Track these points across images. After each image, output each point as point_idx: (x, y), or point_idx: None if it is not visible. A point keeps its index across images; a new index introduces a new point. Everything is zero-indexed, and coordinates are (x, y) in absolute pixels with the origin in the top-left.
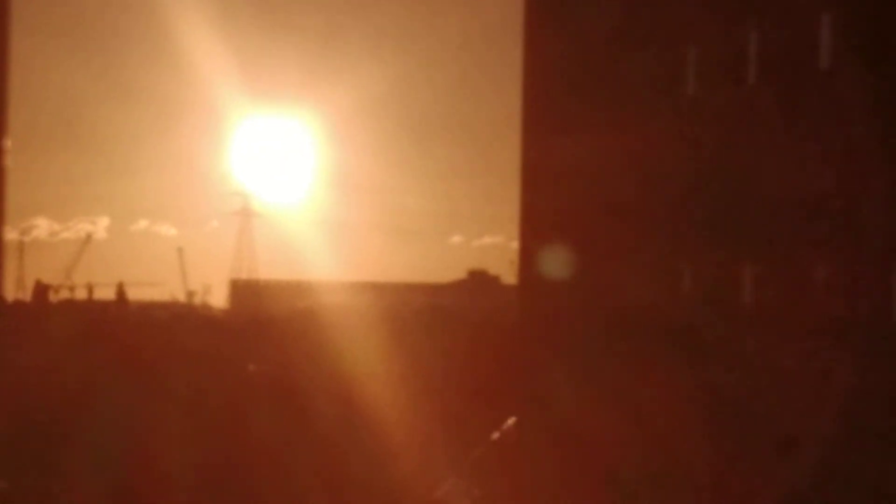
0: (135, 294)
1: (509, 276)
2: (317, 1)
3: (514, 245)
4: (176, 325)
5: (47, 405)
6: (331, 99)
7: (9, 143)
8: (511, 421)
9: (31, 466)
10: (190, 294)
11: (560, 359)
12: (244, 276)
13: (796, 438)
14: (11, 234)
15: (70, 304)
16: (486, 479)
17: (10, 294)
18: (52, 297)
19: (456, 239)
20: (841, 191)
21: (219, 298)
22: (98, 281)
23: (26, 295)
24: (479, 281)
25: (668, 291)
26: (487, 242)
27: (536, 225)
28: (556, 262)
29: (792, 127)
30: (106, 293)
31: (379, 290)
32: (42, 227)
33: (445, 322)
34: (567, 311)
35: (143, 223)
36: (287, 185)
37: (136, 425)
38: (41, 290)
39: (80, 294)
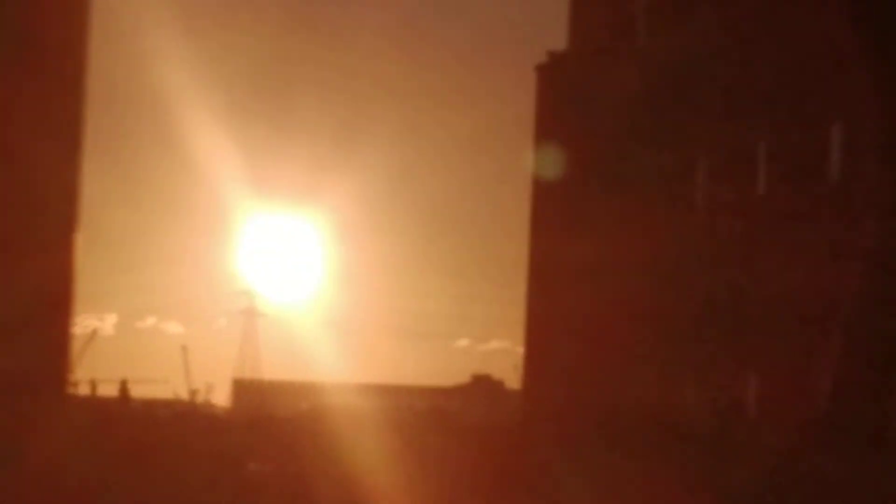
0: (139, 391)
1: (513, 380)
2: (324, 98)
3: (520, 350)
4: (177, 422)
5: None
6: (338, 198)
7: None
8: None
9: None
10: (192, 392)
11: (565, 462)
12: (247, 375)
13: None
14: None
15: (72, 401)
16: None
17: None
18: None
19: (462, 342)
20: (848, 298)
21: (221, 397)
22: (103, 377)
23: None
24: (482, 385)
25: (673, 394)
26: (494, 347)
27: (542, 328)
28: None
29: (801, 235)
30: (109, 389)
31: (383, 392)
32: None
33: (448, 425)
34: (571, 415)
35: (150, 320)
36: (293, 283)
37: None
38: None
39: (84, 390)
